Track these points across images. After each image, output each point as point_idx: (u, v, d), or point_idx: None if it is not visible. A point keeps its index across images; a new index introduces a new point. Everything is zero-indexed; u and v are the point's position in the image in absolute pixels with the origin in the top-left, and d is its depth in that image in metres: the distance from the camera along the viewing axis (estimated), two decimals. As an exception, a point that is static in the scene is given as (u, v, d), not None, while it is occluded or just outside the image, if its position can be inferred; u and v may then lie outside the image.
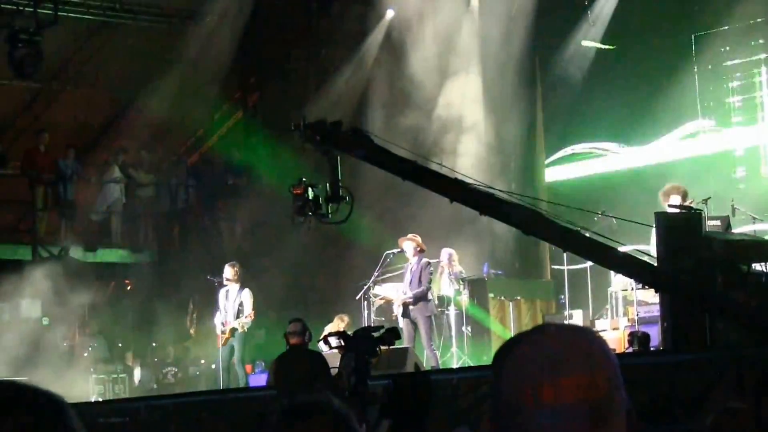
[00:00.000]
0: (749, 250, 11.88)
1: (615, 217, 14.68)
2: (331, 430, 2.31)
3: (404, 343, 14.45)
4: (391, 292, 16.77)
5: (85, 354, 19.97)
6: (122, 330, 20.75)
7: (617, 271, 13.04)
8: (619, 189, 18.24)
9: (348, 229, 14.30)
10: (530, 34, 19.72)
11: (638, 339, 13.53)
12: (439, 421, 6.80)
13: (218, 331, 16.80)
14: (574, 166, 20.17)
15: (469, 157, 19.17)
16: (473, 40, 20.05)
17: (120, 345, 20.71)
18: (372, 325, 11.79)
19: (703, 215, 13.02)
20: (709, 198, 14.66)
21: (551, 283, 19.09)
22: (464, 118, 19.91)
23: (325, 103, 20.77)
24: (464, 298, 17.15)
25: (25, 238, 20.92)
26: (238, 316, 16.53)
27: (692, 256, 11.37)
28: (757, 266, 11.68)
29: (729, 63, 18.62)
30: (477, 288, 17.75)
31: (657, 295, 13.60)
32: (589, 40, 19.75)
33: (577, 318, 16.32)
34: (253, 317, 16.57)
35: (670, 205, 13.29)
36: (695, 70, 18.85)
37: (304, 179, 11.84)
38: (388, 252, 16.81)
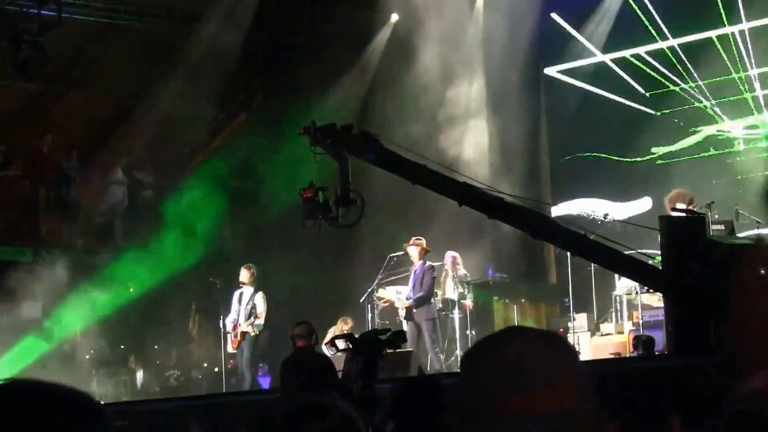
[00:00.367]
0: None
1: (619, 221, 14.67)
2: None
3: (407, 346, 14.44)
4: (395, 295, 16.75)
5: (87, 356, 19.95)
6: (124, 332, 20.71)
7: (623, 274, 13.03)
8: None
9: (352, 231, 14.29)
10: (535, 36, 19.70)
11: (643, 343, 13.51)
12: (445, 424, 6.78)
13: (227, 331, 16.77)
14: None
15: (473, 158, 19.15)
16: (478, 42, 20.02)
17: (122, 347, 20.67)
18: (376, 327, 11.76)
19: (707, 219, 13.02)
20: (713, 202, 14.65)
21: (556, 287, 19.08)
22: (468, 120, 19.88)
23: (329, 106, 20.74)
24: (468, 302, 17.15)
25: (27, 240, 20.87)
26: (248, 319, 16.53)
27: (696, 260, 11.35)
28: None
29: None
30: (482, 291, 17.73)
31: (662, 299, 13.60)
32: (592, 42, 19.75)
33: (581, 321, 16.29)
34: (261, 319, 16.55)
35: (673, 209, 13.28)
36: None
37: (313, 183, 11.85)
38: (392, 255, 16.80)
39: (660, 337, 13.47)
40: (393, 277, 17.06)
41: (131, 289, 20.92)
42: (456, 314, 16.98)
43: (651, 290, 14.26)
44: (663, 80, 19.05)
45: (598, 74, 19.81)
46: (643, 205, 18.44)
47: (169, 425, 11.81)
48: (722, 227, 13.64)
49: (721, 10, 18.14)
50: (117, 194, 21.66)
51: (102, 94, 22.33)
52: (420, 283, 15.89)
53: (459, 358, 16.57)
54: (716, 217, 14.24)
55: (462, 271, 17.31)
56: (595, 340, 15.79)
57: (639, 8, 18.90)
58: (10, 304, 19.98)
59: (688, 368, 9.55)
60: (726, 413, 2.08)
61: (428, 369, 14.83)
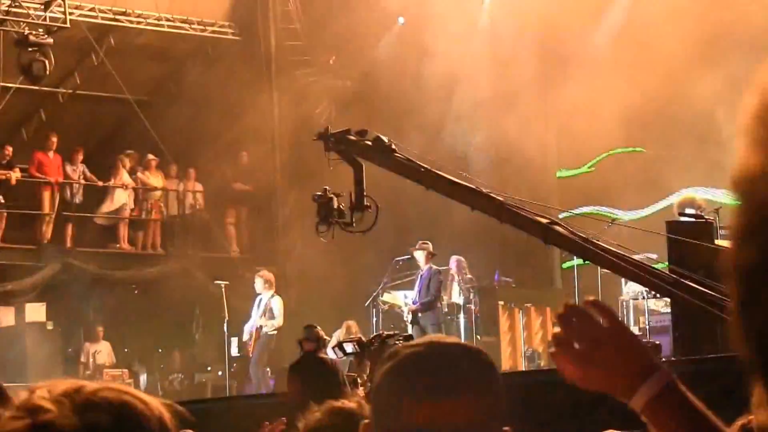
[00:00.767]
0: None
1: (626, 225, 14.60)
2: None
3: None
4: (402, 300, 16.72)
5: (91, 359, 19.89)
6: (128, 335, 20.65)
7: (633, 279, 12.96)
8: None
9: (356, 235, 14.22)
10: (542, 38, 19.63)
11: (649, 349, 13.40)
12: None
13: (245, 338, 16.83)
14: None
15: (478, 158, 19.08)
16: (485, 44, 19.94)
17: (126, 351, 20.61)
18: (383, 332, 11.69)
19: (715, 225, 12.97)
20: (720, 207, 14.59)
21: (562, 291, 18.98)
22: (474, 122, 19.81)
23: (335, 109, 20.68)
24: (474, 306, 17.09)
25: (31, 243, 20.82)
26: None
27: (703, 264, 11.29)
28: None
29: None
30: (487, 296, 17.66)
31: (668, 304, 13.53)
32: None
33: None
34: (277, 319, 16.58)
35: (680, 214, 13.24)
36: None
37: (327, 188, 11.85)
38: (397, 258, 16.75)
39: (667, 343, 13.38)
40: (398, 281, 17.01)
41: (135, 291, 20.89)
42: (461, 319, 16.92)
43: (658, 295, 14.18)
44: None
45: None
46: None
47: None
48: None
49: None
50: (121, 197, 21.60)
51: (107, 97, 22.28)
52: (426, 287, 15.84)
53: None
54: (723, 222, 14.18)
55: (468, 276, 17.25)
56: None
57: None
58: (13, 307, 19.95)
59: (695, 374, 9.46)
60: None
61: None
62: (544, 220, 10.85)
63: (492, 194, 11.01)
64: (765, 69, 1.15)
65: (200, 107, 21.79)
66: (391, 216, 18.16)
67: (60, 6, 19.96)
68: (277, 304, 16.91)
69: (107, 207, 21.66)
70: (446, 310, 16.64)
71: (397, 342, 10.01)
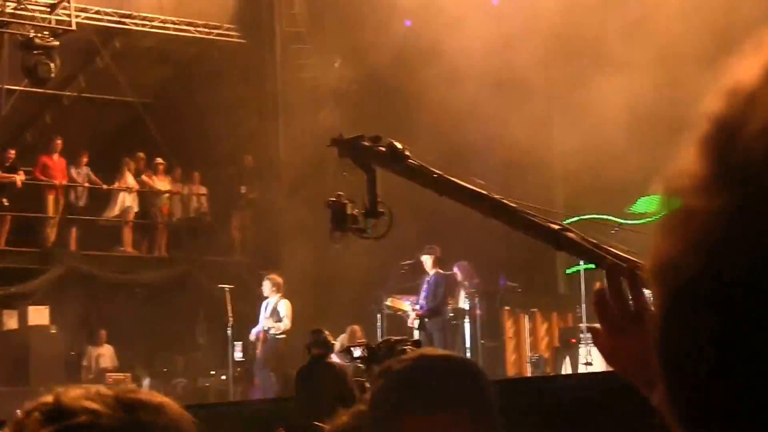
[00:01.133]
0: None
1: (633, 230, 14.48)
2: None
3: (417, 355, 14.30)
4: (404, 304, 16.64)
5: (93, 363, 19.83)
6: (131, 339, 20.59)
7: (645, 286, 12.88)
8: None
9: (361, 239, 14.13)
10: (552, 39, 19.56)
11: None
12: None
13: (251, 338, 16.81)
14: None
15: (483, 160, 19.00)
16: (494, 46, 19.84)
17: (129, 354, 20.54)
18: (391, 337, 11.63)
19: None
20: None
21: (568, 297, 18.89)
22: (479, 124, 19.71)
23: (341, 113, 20.62)
24: (479, 311, 17.03)
25: (35, 246, 20.77)
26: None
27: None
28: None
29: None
30: (493, 300, 17.59)
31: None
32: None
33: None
34: (284, 322, 16.56)
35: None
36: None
37: (341, 194, 11.82)
38: (402, 263, 16.69)
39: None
40: (402, 286, 16.95)
41: (139, 295, 20.83)
42: (467, 324, 16.85)
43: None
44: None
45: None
46: None
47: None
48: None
49: None
50: (126, 200, 21.55)
51: (112, 100, 22.25)
52: (433, 292, 15.80)
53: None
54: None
55: (475, 280, 17.20)
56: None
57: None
58: (16, 310, 19.89)
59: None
60: None
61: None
62: (556, 227, 10.80)
63: (505, 201, 10.98)
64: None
65: (205, 110, 21.73)
66: (396, 220, 18.10)
67: (66, 9, 19.92)
68: (285, 307, 16.88)
69: (111, 212, 21.60)
70: (451, 314, 16.57)
71: (405, 347, 9.95)
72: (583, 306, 16.31)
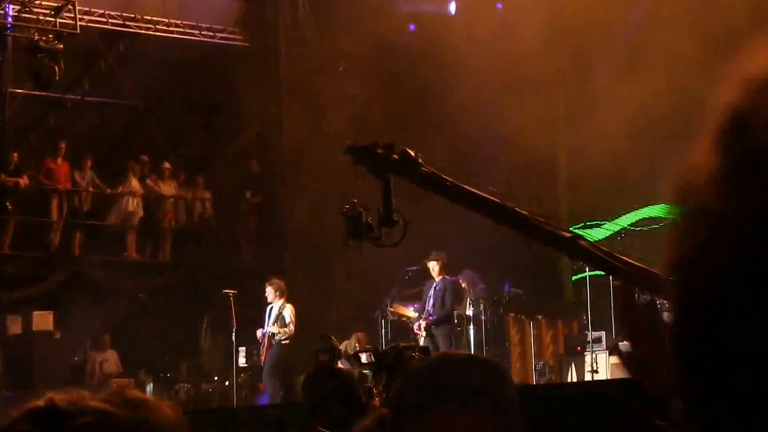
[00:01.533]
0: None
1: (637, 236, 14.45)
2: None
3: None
4: (408, 310, 16.58)
5: (97, 368, 19.78)
6: (135, 344, 20.54)
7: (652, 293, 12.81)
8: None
9: (363, 244, 14.09)
10: (558, 41, 19.50)
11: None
12: None
13: (258, 336, 16.81)
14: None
15: (488, 164, 18.96)
16: (498, 51, 19.79)
17: (132, 359, 20.49)
18: (399, 343, 11.60)
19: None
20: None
21: (574, 304, 18.80)
22: (484, 129, 19.66)
23: (345, 117, 20.56)
24: (484, 318, 16.97)
25: (38, 250, 20.72)
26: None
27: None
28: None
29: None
30: (497, 307, 17.51)
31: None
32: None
33: (599, 339, 16.00)
34: (289, 327, 16.52)
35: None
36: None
37: (355, 201, 11.82)
38: (407, 269, 16.62)
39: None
40: (407, 292, 16.88)
41: (143, 300, 20.77)
42: (471, 330, 16.79)
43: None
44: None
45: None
46: None
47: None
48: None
49: None
50: (130, 205, 21.50)
51: (117, 103, 22.21)
52: (441, 299, 15.75)
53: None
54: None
55: (480, 286, 17.14)
56: (613, 359, 15.48)
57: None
58: (20, 315, 19.85)
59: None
60: None
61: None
62: (568, 235, 10.79)
63: (517, 209, 10.98)
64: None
65: (209, 114, 21.70)
66: (399, 224, 18.04)
67: (70, 12, 19.88)
68: (289, 312, 16.83)
69: (115, 218, 21.54)
70: (455, 321, 16.51)
71: (413, 354, 9.91)
72: (589, 314, 16.23)
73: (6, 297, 19.75)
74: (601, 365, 15.34)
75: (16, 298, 19.78)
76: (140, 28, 21.60)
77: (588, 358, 15.56)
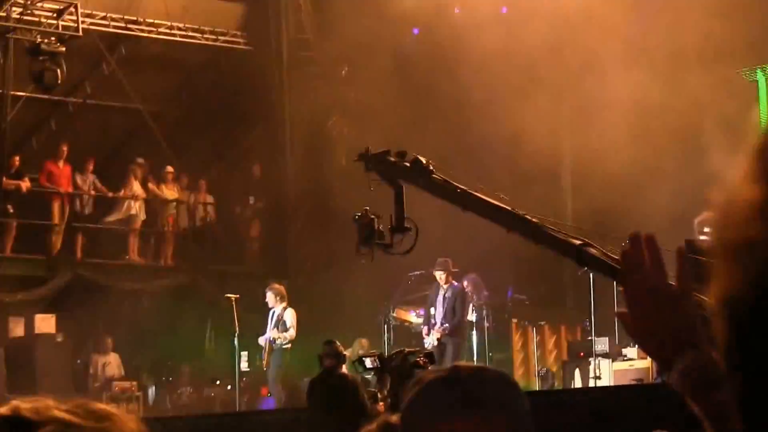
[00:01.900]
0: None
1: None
2: None
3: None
4: (410, 315, 16.59)
5: (100, 371, 19.76)
6: (137, 348, 20.52)
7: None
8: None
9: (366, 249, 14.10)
10: (561, 48, 19.50)
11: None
12: None
13: (261, 342, 16.83)
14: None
15: (491, 169, 18.94)
16: (500, 54, 19.79)
17: (135, 363, 20.46)
18: (404, 348, 11.60)
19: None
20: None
21: (576, 310, 18.80)
22: (486, 132, 19.65)
23: (348, 121, 20.55)
24: (488, 323, 16.96)
25: (40, 253, 20.70)
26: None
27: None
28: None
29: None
30: (500, 313, 17.50)
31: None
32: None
33: (602, 346, 15.98)
34: (290, 331, 16.53)
35: (701, 233, 13.05)
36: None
37: (367, 208, 11.90)
38: (410, 273, 16.61)
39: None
40: (410, 297, 16.88)
41: (145, 304, 20.75)
42: (474, 336, 16.78)
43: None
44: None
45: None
46: None
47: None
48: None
49: None
50: (132, 208, 21.48)
51: (119, 106, 22.17)
52: (452, 308, 15.78)
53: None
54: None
55: (484, 293, 17.14)
56: (617, 365, 15.46)
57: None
58: (22, 318, 19.83)
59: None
60: None
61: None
62: (577, 242, 10.84)
63: (527, 216, 11.06)
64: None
65: (212, 117, 21.67)
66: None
67: (72, 14, 19.84)
68: (290, 316, 16.83)
69: (116, 216, 21.52)
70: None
71: (418, 359, 9.91)
72: (592, 319, 16.21)
73: (8, 299, 19.73)
74: (604, 371, 15.32)
75: (18, 300, 19.76)
76: (142, 31, 21.57)
77: (591, 364, 15.54)
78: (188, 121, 21.37)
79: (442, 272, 15.93)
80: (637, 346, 14.43)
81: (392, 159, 11.58)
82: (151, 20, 21.59)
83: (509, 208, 11.04)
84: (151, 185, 21.86)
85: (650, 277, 2.00)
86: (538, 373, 16.89)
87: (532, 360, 17.16)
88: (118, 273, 20.90)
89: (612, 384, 14.66)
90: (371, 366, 11.19)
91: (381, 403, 10.68)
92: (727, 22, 16.95)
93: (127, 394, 19.16)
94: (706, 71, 17.35)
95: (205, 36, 22.12)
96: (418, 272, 16.46)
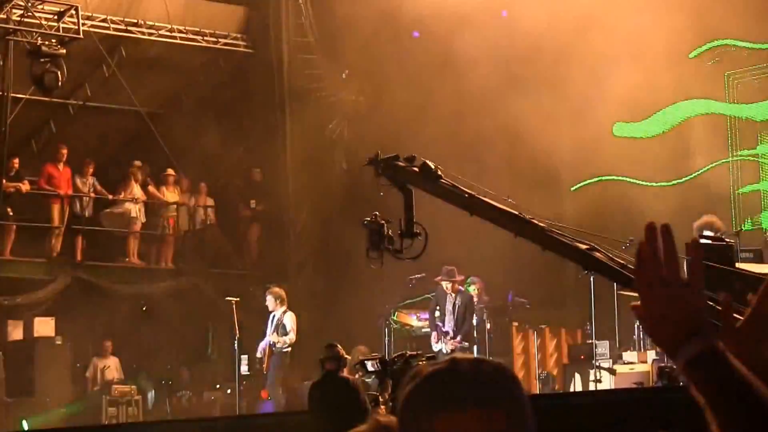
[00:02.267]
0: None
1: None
2: None
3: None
4: (411, 319, 16.55)
5: (99, 375, 19.71)
6: (137, 351, 20.47)
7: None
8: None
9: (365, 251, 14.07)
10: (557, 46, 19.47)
11: (666, 374, 13.22)
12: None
13: (258, 355, 16.77)
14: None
15: (491, 171, 18.92)
16: (502, 57, 19.76)
17: (134, 366, 20.40)
18: (406, 351, 11.57)
19: (735, 247, 12.83)
20: (741, 230, 14.44)
21: (577, 313, 18.75)
22: (487, 134, 19.61)
23: (349, 124, 20.51)
24: (488, 327, 16.93)
25: (39, 256, 20.65)
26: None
27: (723, 287, 11.07)
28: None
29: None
30: (501, 316, 17.46)
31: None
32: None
33: (603, 349, 15.94)
34: (290, 334, 16.50)
35: (700, 236, 13.04)
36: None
37: (377, 213, 11.94)
38: (410, 277, 16.57)
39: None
40: (410, 300, 16.85)
41: (144, 308, 20.70)
42: (475, 339, 16.76)
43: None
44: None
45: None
46: None
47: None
48: (751, 255, 13.41)
49: None
50: (132, 211, 21.43)
51: (119, 108, 22.14)
52: (462, 316, 15.84)
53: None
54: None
55: (485, 297, 17.11)
56: (617, 369, 15.42)
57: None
58: (21, 321, 19.78)
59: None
60: None
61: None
62: (583, 247, 10.83)
63: (534, 220, 11.09)
64: None
65: (212, 120, 21.62)
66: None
67: (73, 16, 19.80)
68: (289, 320, 16.80)
69: (117, 220, 21.47)
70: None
71: (420, 362, 9.87)
72: (593, 323, 16.17)
73: (7, 302, 19.70)
74: (605, 375, 15.28)
75: (17, 303, 19.72)
76: (143, 33, 21.53)
77: (593, 369, 15.50)
78: (189, 123, 21.31)
79: (448, 282, 15.94)
80: (646, 337, 14.36)
81: (401, 164, 11.62)
82: (152, 22, 21.56)
83: (516, 213, 11.07)
84: (151, 188, 21.82)
85: (664, 267, 2.06)
86: (539, 376, 16.86)
87: (533, 363, 17.12)
88: (117, 276, 20.85)
89: (612, 387, 14.62)
90: (372, 369, 11.16)
91: (382, 407, 10.64)
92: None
93: (127, 397, 19.10)
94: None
95: (206, 38, 22.09)
96: (418, 275, 16.40)
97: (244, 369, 17.86)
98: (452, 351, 15.80)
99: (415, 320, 17.43)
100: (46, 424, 17.63)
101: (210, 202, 22.38)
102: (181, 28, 21.81)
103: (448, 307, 15.97)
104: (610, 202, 18.91)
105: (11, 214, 20.19)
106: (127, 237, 21.48)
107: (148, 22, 21.54)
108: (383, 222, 11.78)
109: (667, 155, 19.06)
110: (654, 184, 19.24)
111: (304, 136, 21.72)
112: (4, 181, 19.98)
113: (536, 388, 16.44)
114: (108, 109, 22.29)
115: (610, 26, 18.40)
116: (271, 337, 16.68)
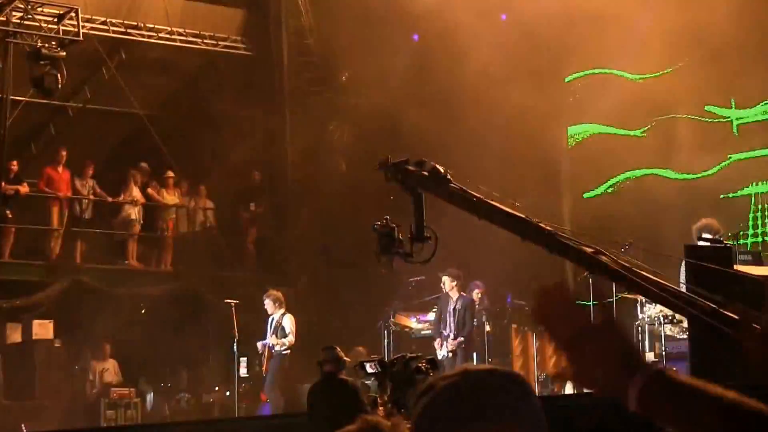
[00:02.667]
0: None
1: (643, 248, 14.35)
2: None
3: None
4: (410, 321, 16.54)
5: (97, 377, 19.69)
6: (135, 354, 20.44)
7: (680, 313, 12.79)
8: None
9: (365, 253, 14.06)
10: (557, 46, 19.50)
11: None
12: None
13: (259, 350, 16.78)
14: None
15: (490, 172, 18.92)
16: (502, 58, 19.77)
17: (133, 369, 20.38)
18: (406, 353, 11.54)
19: (734, 250, 12.82)
20: (740, 233, 14.42)
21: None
22: (487, 135, 19.63)
23: (348, 126, 20.50)
24: (487, 329, 16.93)
25: (39, 258, 20.64)
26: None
27: (721, 290, 11.05)
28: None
29: None
30: (500, 319, 17.45)
31: (685, 330, 13.34)
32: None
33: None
34: (289, 337, 16.50)
35: (699, 238, 13.05)
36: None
37: (387, 217, 11.86)
38: (410, 279, 16.57)
39: (684, 370, 13.15)
40: (410, 303, 16.84)
41: (143, 310, 20.68)
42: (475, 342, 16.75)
43: (674, 320, 14.01)
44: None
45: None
46: None
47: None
48: (750, 258, 13.40)
49: None
50: (131, 213, 21.42)
51: (119, 111, 22.13)
52: (462, 319, 15.81)
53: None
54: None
55: (486, 302, 17.12)
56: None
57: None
58: (20, 323, 19.76)
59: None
60: None
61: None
62: (590, 250, 10.80)
63: (541, 224, 11.05)
64: None
65: (212, 123, 21.62)
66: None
67: (72, 19, 19.81)
68: (288, 322, 16.80)
69: (117, 222, 21.46)
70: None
71: (420, 364, 9.85)
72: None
73: (6, 305, 19.68)
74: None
75: (16, 306, 19.70)
76: (143, 35, 21.54)
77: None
78: (188, 126, 21.31)
79: (451, 283, 15.94)
80: (644, 339, 14.35)
81: (411, 168, 11.61)
82: (152, 25, 21.57)
83: (524, 216, 11.06)
84: (151, 190, 21.81)
85: (572, 322, 2.08)
86: (538, 378, 16.84)
87: (532, 366, 17.10)
88: (117, 278, 20.82)
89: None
90: (372, 371, 11.14)
91: (381, 409, 10.63)
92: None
93: (125, 400, 19.07)
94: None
95: (205, 41, 22.11)
96: (418, 278, 16.40)
97: (243, 371, 17.86)
98: (452, 351, 15.76)
99: (415, 322, 17.42)
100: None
101: (209, 204, 22.36)
102: (181, 30, 21.82)
103: (450, 310, 15.96)
104: (611, 203, 18.93)
105: (10, 216, 20.18)
106: (127, 239, 21.47)
107: (147, 25, 21.56)
108: (394, 226, 11.75)
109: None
110: (679, 175, 19.14)
111: (303, 139, 21.72)
112: (3, 183, 19.96)
113: (535, 390, 16.44)
114: (107, 111, 22.30)
115: (613, 22, 18.44)
116: (270, 339, 16.68)
